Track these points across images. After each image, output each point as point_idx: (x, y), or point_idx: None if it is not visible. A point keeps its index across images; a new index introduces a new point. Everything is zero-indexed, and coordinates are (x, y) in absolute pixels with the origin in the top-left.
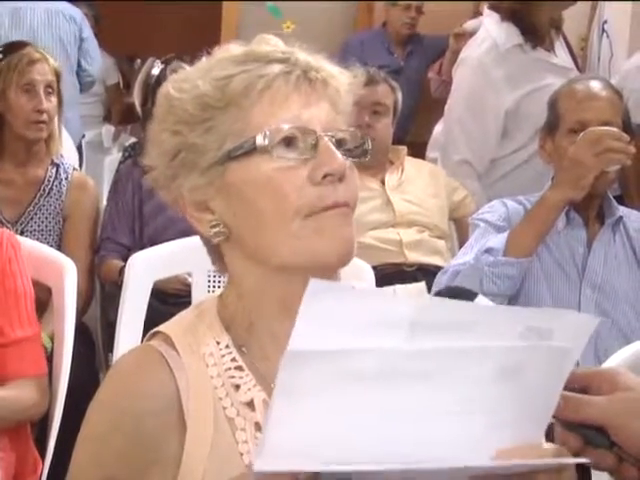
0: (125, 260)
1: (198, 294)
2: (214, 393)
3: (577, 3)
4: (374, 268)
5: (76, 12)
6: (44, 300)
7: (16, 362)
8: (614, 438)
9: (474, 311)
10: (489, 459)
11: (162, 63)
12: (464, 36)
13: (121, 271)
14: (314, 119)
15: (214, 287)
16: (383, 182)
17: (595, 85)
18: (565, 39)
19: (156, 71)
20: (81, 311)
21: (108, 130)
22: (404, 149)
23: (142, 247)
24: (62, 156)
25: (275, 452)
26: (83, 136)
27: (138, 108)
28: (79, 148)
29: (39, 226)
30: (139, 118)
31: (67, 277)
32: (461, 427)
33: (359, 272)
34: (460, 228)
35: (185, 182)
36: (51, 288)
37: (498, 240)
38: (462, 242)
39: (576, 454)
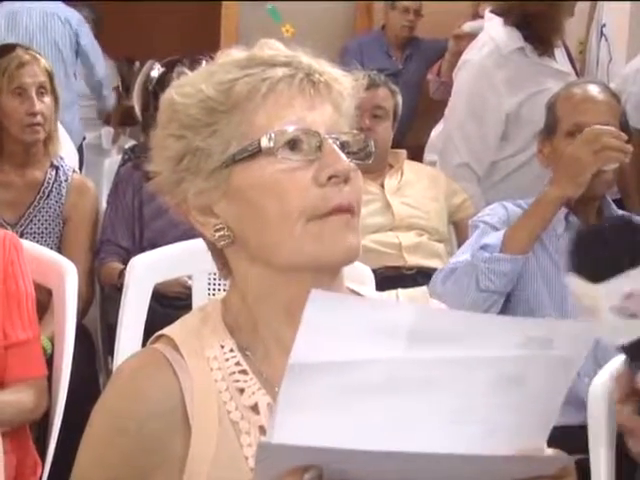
0: (125, 263)
1: (198, 297)
2: (218, 397)
3: (576, 7)
4: (373, 271)
5: (72, 15)
6: (44, 302)
7: (17, 364)
8: None
9: (474, 321)
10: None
11: (162, 66)
12: (464, 37)
13: (121, 274)
14: (318, 122)
15: (215, 290)
16: (382, 185)
17: (592, 88)
18: (564, 44)
19: (155, 73)
20: (81, 314)
21: (107, 132)
22: (403, 152)
23: (142, 250)
24: (62, 158)
25: (279, 456)
26: (84, 138)
27: (137, 111)
28: (80, 150)
29: (39, 228)
30: (138, 121)
31: (68, 279)
32: (460, 436)
33: (359, 275)
34: (459, 231)
35: (190, 186)
36: (51, 290)
37: (495, 237)
38: (461, 245)
39: None
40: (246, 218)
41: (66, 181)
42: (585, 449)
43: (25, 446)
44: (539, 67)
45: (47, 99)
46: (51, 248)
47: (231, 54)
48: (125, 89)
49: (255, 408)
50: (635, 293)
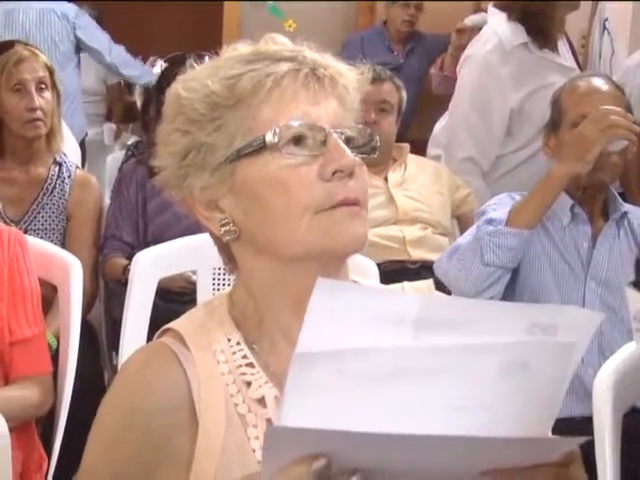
0: (129, 258)
1: (203, 292)
2: (225, 390)
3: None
4: (378, 265)
5: (69, 9)
6: (48, 298)
7: (23, 360)
8: None
9: (479, 308)
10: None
11: (165, 62)
12: (466, 31)
13: (125, 269)
14: (323, 116)
15: (219, 285)
16: (386, 179)
17: (597, 81)
18: (567, 38)
19: (158, 70)
20: (85, 309)
21: (109, 128)
22: (407, 146)
23: (146, 245)
24: (65, 154)
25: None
26: (86, 134)
27: (139, 107)
28: (82, 146)
29: (42, 225)
30: (140, 117)
31: (73, 275)
32: (465, 423)
33: (364, 269)
34: (463, 225)
35: (196, 181)
36: (56, 286)
37: (500, 212)
38: None
39: None
40: (252, 213)
41: (69, 177)
42: (590, 442)
43: (31, 442)
44: (543, 62)
45: (47, 94)
46: (55, 244)
47: (237, 49)
48: (127, 86)
49: (262, 401)
50: None
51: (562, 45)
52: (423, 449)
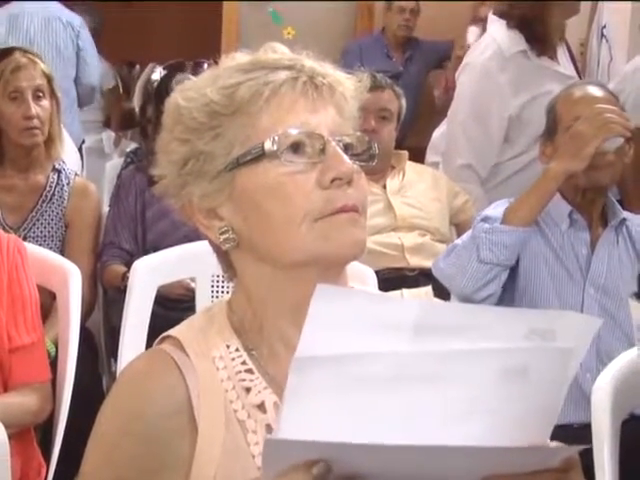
0: (128, 265)
1: (202, 299)
2: (225, 396)
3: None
4: (376, 273)
5: (74, 18)
6: (47, 305)
7: (21, 367)
8: None
9: (477, 313)
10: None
11: (163, 69)
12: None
13: (124, 276)
14: (321, 124)
15: (218, 292)
16: (385, 187)
17: (591, 88)
18: (567, 46)
19: (156, 76)
20: (84, 316)
21: (108, 136)
22: (405, 154)
23: (145, 252)
24: (64, 162)
25: (286, 452)
26: (83, 141)
27: (138, 113)
28: (79, 153)
29: (42, 232)
30: (139, 123)
31: (72, 282)
32: (465, 429)
33: (362, 277)
34: (461, 232)
35: (195, 189)
36: (55, 293)
37: (496, 210)
38: None
39: None
40: (251, 220)
41: (68, 184)
42: (589, 449)
43: (30, 448)
44: (541, 70)
45: (45, 102)
46: (54, 252)
47: (235, 58)
48: (126, 92)
49: (262, 407)
50: None
51: (562, 53)
52: (421, 457)
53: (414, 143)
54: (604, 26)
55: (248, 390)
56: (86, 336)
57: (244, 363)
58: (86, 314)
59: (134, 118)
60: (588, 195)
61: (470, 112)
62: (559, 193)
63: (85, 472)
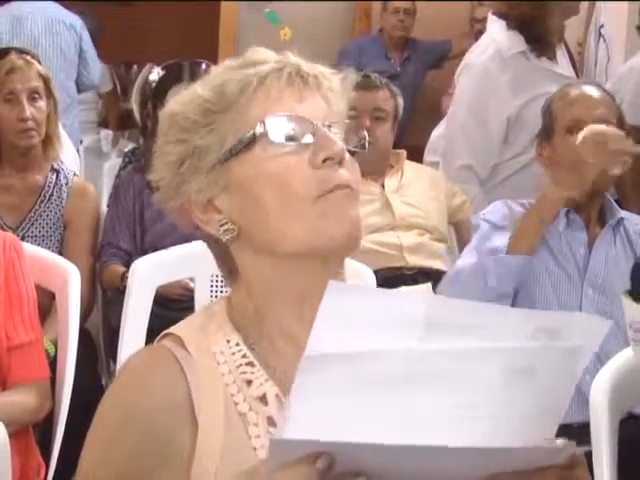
0: (126, 266)
1: (201, 299)
2: (225, 390)
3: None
4: (374, 272)
5: (76, 20)
6: (46, 305)
7: (19, 366)
8: None
9: (486, 312)
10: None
11: (161, 69)
12: None
13: (123, 276)
14: (309, 113)
15: (217, 292)
16: (383, 186)
17: (587, 87)
18: (567, 47)
19: (154, 77)
20: (83, 317)
21: (106, 135)
22: (403, 153)
23: (143, 253)
24: (62, 162)
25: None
26: (81, 142)
27: (136, 114)
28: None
29: (40, 232)
30: (137, 124)
31: (71, 282)
32: (472, 427)
33: (361, 276)
34: (459, 232)
35: (192, 185)
36: (54, 294)
37: (501, 239)
38: (462, 246)
39: None
40: (248, 210)
41: (67, 185)
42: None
43: (29, 448)
44: (540, 71)
45: (41, 103)
46: (52, 252)
47: (225, 64)
48: (123, 92)
49: (263, 399)
50: None
51: (561, 54)
52: (426, 457)
53: (412, 142)
54: (602, 26)
55: (249, 383)
56: (85, 336)
57: (245, 356)
58: (85, 314)
59: (131, 118)
60: (586, 196)
61: (469, 113)
62: None
63: (84, 465)
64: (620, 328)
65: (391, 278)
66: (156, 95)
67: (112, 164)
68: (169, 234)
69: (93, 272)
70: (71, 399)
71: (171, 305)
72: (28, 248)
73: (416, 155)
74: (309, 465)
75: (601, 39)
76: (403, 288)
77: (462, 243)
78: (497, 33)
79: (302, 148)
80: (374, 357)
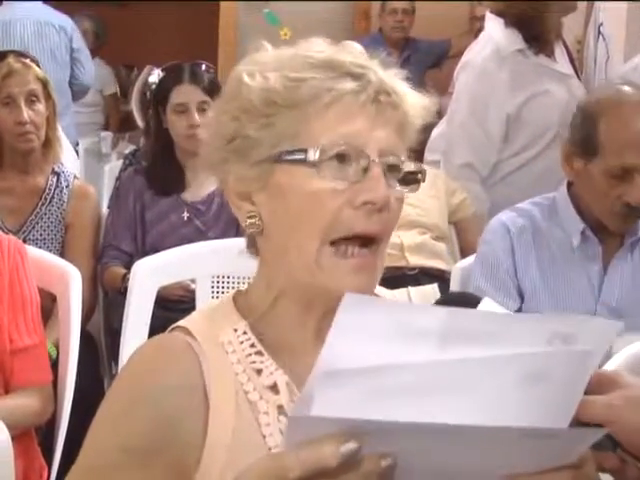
0: (127, 267)
1: (202, 300)
2: (235, 379)
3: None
4: None
5: (67, 22)
6: (48, 308)
7: (23, 369)
8: (616, 436)
9: (501, 320)
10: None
11: (161, 71)
12: None
13: (124, 278)
14: (372, 143)
15: (218, 293)
16: None
17: None
18: (565, 44)
19: (154, 79)
20: (85, 319)
21: (106, 137)
22: None
23: (144, 254)
24: (62, 164)
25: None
26: (77, 144)
27: (136, 115)
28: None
29: (41, 235)
30: (137, 126)
31: (72, 285)
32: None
33: None
34: (459, 231)
35: (234, 168)
36: (55, 296)
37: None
38: (462, 245)
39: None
40: (279, 215)
41: (67, 187)
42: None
43: (31, 450)
44: (539, 68)
45: (39, 107)
46: (53, 254)
47: (310, 47)
48: (123, 95)
49: (274, 387)
50: None
51: (559, 52)
52: (460, 441)
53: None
54: (601, 24)
55: (259, 372)
56: (87, 339)
57: (253, 345)
58: (87, 316)
59: (132, 120)
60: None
61: (469, 111)
62: (574, 209)
63: (91, 440)
64: None
65: (392, 278)
66: (156, 97)
67: (112, 166)
68: (170, 235)
69: (94, 274)
70: (73, 401)
71: (172, 306)
72: (29, 251)
73: (416, 153)
74: (333, 447)
75: (600, 37)
76: (410, 289)
77: (463, 241)
78: (495, 31)
79: (349, 184)
80: (390, 370)
